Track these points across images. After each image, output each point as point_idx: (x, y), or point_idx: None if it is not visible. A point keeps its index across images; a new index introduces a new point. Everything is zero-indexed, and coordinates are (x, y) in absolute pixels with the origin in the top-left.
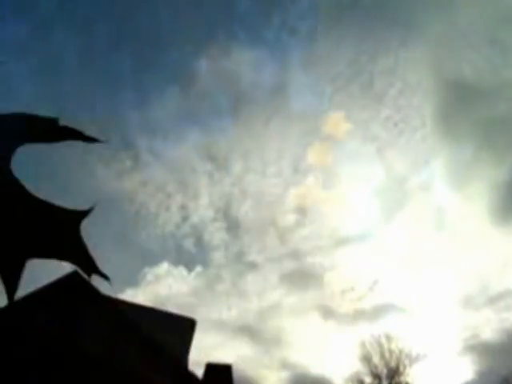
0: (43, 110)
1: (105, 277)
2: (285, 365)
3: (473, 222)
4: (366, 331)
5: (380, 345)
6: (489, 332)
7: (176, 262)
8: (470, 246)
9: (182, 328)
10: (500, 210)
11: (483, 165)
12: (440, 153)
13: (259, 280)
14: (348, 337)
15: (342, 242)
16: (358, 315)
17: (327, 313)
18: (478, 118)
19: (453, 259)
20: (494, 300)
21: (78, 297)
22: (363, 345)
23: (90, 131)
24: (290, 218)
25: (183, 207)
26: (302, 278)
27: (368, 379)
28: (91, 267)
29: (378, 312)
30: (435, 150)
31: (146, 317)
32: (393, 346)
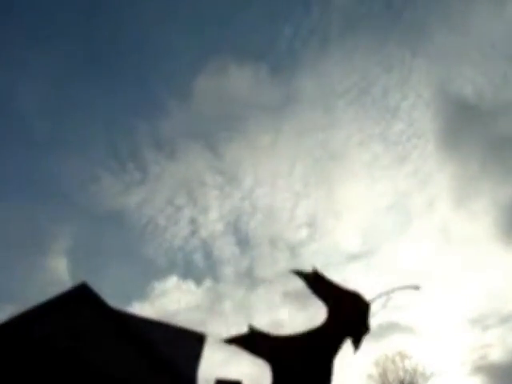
0: None
1: None
2: None
3: (479, 240)
4: (374, 350)
5: (394, 362)
6: (498, 353)
7: (185, 276)
8: (476, 264)
9: (192, 343)
10: (506, 228)
11: (489, 182)
12: (445, 169)
13: (268, 296)
14: (355, 355)
15: (352, 257)
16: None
17: None
18: (483, 136)
19: (460, 277)
20: (503, 320)
21: (86, 309)
22: (377, 363)
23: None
24: (300, 233)
25: (192, 221)
26: (310, 294)
27: None
28: None
29: (384, 331)
30: (440, 166)
31: (155, 331)
32: (406, 365)
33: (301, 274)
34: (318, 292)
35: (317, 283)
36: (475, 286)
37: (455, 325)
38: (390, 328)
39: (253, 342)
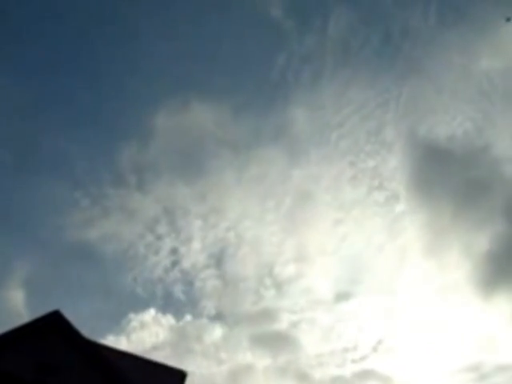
0: None
1: None
2: None
3: (451, 294)
4: None
5: None
6: None
7: (164, 310)
8: (449, 319)
9: (172, 380)
10: (480, 281)
11: (461, 232)
12: (415, 218)
13: (251, 333)
14: None
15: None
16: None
17: (302, 377)
18: (454, 183)
19: (431, 333)
20: (484, 378)
21: (58, 339)
22: None
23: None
24: (288, 269)
25: (174, 251)
26: (282, 338)
27: None
28: None
29: (359, 379)
30: (410, 214)
31: (132, 365)
32: None
33: None
34: None
35: None
36: (448, 342)
37: (429, 375)
38: (364, 377)
39: None
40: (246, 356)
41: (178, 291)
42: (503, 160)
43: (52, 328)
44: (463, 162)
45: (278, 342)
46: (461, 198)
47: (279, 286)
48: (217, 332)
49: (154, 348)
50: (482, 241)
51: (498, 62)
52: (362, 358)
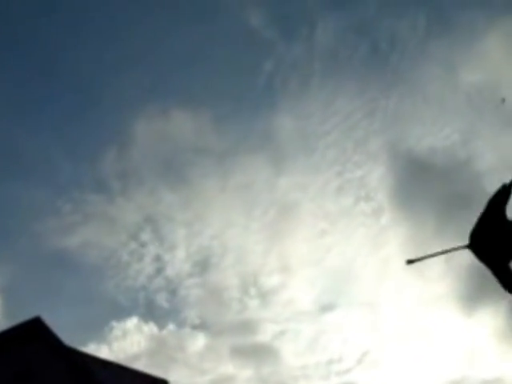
0: None
1: None
2: None
3: (434, 307)
4: None
5: None
6: None
7: (146, 318)
8: (432, 333)
9: None
10: (463, 296)
11: (444, 245)
12: (397, 231)
13: (235, 343)
14: None
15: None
16: None
17: None
18: (436, 196)
19: (416, 346)
20: None
21: (38, 346)
22: None
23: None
24: (273, 279)
25: (157, 258)
26: (266, 349)
27: None
28: None
29: None
30: (392, 228)
31: (114, 374)
32: None
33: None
34: None
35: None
36: (432, 358)
37: None
38: None
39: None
40: (229, 366)
41: (162, 299)
42: (485, 173)
43: (32, 335)
44: (445, 174)
45: (261, 352)
46: (443, 211)
47: (263, 296)
48: (200, 341)
49: (136, 357)
50: (465, 255)
51: (483, 74)
52: (347, 371)
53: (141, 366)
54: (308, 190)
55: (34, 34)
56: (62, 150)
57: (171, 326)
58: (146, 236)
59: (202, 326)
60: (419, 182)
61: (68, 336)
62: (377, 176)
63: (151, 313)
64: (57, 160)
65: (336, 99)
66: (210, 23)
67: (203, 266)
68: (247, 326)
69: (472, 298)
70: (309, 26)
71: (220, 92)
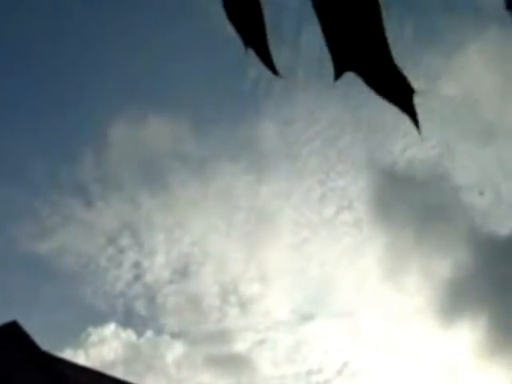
0: None
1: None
2: None
3: (412, 320)
4: None
5: None
6: None
7: (125, 324)
8: (410, 345)
9: None
10: (442, 309)
11: (422, 258)
12: (377, 242)
13: (213, 352)
14: None
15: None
16: None
17: None
18: (415, 208)
19: (394, 358)
20: None
21: (13, 351)
22: None
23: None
24: (253, 287)
25: (136, 265)
26: (245, 358)
27: None
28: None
29: None
30: (372, 239)
31: (90, 380)
32: None
33: None
34: None
35: None
36: (414, 363)
37: None
38: None
39: None
40: (206, 376)
41: (140, 306)
42: (463, 187)
43: (7, 339)
44: (424, 187)
45: (239, 362)
46: (422, 222)
47: (243, 304)
48: (178, 350)
49: (113, 363)
50: (443, 268)
51: (462, 88)
52: (327, 382)
53: (118, 372)
54: (290, 198)
55: (8, 34)
56: (36, 151)
57: (149, 333)
58: (124, 242)
59: (180, 334)
60: (399, 193)
61: (44, 341)
62: (358, 187)
63: (129, 319)
64: (31, 161)
65: (320, 106)
66: (192, 27)
67: (183, 272)
68: (226, 335)
69: (450, 311)
70: (294, 32)
71: (201, 98)
